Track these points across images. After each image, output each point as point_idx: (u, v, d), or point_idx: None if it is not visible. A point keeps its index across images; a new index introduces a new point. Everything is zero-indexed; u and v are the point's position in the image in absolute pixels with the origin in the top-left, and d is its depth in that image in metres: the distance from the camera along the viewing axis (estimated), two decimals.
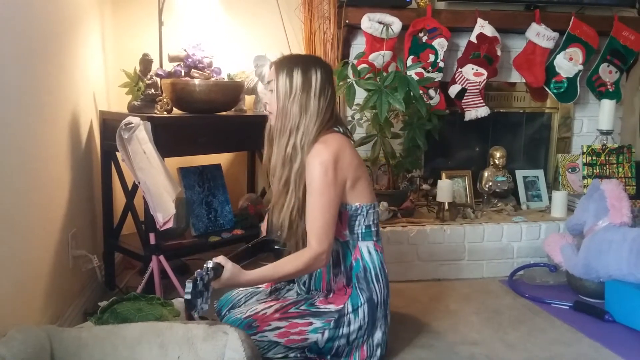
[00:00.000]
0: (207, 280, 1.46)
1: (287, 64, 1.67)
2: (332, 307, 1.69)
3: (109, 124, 2.22)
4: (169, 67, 2.38)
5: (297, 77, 1.64)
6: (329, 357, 1.70)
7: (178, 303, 1.84)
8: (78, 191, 2.06)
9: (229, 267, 1.54)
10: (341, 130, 1.71)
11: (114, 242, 2.34)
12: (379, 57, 2.60)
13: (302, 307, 1.69)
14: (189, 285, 1.41)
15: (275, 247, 1.76)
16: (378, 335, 1.73)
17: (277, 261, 1.65)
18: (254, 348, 1.33)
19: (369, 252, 1.73)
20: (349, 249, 1.73)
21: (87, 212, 2.22)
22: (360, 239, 1.73)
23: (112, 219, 2.36)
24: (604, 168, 2.91)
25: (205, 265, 1.49)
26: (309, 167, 1.61)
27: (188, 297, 1.41)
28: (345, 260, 1.73)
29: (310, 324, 1.66)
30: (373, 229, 1.75)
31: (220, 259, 1.54)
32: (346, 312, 1.68)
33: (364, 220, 1.72)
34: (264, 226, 1.91)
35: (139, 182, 1.90)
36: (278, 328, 1.64)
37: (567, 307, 2.28)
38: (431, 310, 2.24)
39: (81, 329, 1.39)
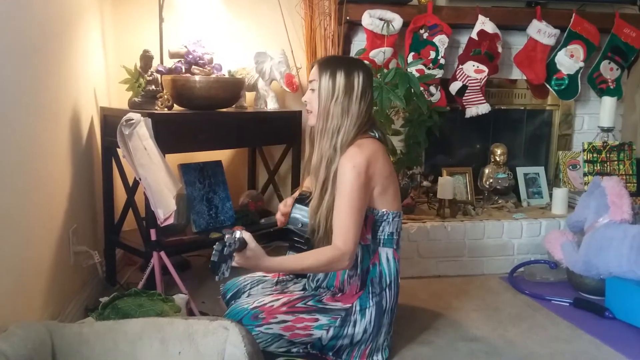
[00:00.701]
0: (234, 249, 1.45)
1: (331, 65, 1.68)
2: (339, 305, 1.70)
3: (110, 120, 2.22)
4: (169, 63, 2.38)
5: (340, 79, 1.65)
6: (330, 354, 1.71)
7: (179, 299, 1.85)
8: (79, 187, 2.06)
9: (253, 247, 1.53)
10: (377, 135, 1.72)
11: (114, 238, 2.34)
12: (380, 54, 2.60)
13: (310, 303, 1.70)
14: (218, 247, 1.40)
15: (295, 238, 1.75)
16: (381, 340, 1.74)
17: (300, 253, 1.66)
18: (255, 343, 1.34)
19: (387, 259, 1.74)
20: (368, 253, 1.73)
21: (87, 208, 2.22)
22: (381, 244, 1.74)
23: (113, 215, 2.37)
24: (605, 165, 2.91)
25: (233, 233, 1.48)
26: (342, 168, 1.62)
27: (215, 258, 1.40)
28: (363, 264, 1.73)
29: (316, 320, 1.66)
30: (395, 237, 1.75)
31: (246, 236, 1.53)
32: (353, 311, 1.69)
33: (389, 227, 1.73)
34: (278, 215, 1.91)
35: (140, 178, 1.90)
36: (284, 321, 1.64)
37: (567, 304, 2.28)
38: (431, 307, 2.24)
39: (82, 325, 1.40)
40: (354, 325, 1.68)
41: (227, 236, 1.46)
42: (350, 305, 1.69)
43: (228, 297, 1.85)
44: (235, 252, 1.47)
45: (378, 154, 1.66)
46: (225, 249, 1.42)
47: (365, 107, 1.68)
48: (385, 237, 1.73)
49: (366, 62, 2.48)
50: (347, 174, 1.60)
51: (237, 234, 1.50)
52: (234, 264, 1.49)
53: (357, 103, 1.66)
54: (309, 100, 1.72)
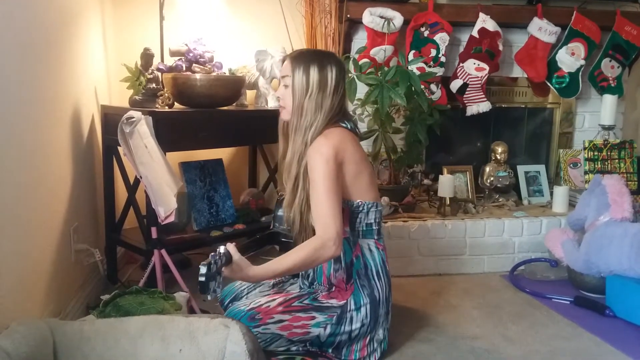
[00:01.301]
0: (220, 264, 1.45)
1: (304, 59, 1.67)
2: (334, 302, 1.70)
3: (111, 119, 2.22)
4: (170, 61, 2.38)
5: (314, 74, 1.64)
6: (330, 350, 1.71)
7: (180, 297, 1.85)
8: (80, 185, 2.07)
9: (237, 259, 1.52)
10: (349, 126, 1.72)
11: (115, 236, 2.35)
12: (381, 52, 2.60)
13: (306, 302, 1.70)
14: (203, 268, 1.40)
15: (282, 239, 1.75)
16: (380, 332, 1.75)
17: (283, 254, 1.64)
18: (255, 341, 1.34)
19: (370, 250, 1.74)
20: (349, 246, 1.73)
21: (89, 206, 2.23)
22: (361, 236, 1.74)
23: (114, 213, 2.37)
24: (606, 163, 2.90)
25: (217, 250, 1.48)
26: (310, 159, 1.62)
27: (202, 279, 1.39)
28: (345, 257, 1.73)
29: (313, 318, 1.66)
30: (374, 228, 1.75)
31: (231, 249, 1.53)
32: (349, 309, 1.69)
33: (366, 217, 1.72)
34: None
35: (141, 177, 1.90)
36: (281, 321, 1.65)
37: (568, 302, 2.29)
38: (432, 305, 2.24)
39: (83, 322, 1.40)
40: (351, 322, 1.68)
41: (211, 254, 1.45)
42: (344, 302, 1.69)
43: (226, 303, 1.84)
44: (223, 267, 1.47)
45: (345, 140, 1.65)
46: (212, 266, 1.41)
47: (338, 101, 1.68)
48: (364, 228, 1.73)
49: (365, 60, 2.49)
50: (317, 162, 1.60)
51: (222, 249, 1.49)
52: (225, 274, 1.49)
53: (331, 97, 1.66)
54: (282, 96, 1.71)
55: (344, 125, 1.70)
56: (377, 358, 1.75)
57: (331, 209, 1.59)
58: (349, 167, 1.66)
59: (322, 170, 1.59)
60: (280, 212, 1.79)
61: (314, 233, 1.63)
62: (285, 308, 1.67)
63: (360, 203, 1.71)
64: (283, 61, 1.74)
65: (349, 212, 1.71)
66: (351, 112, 2.67)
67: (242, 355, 1.28)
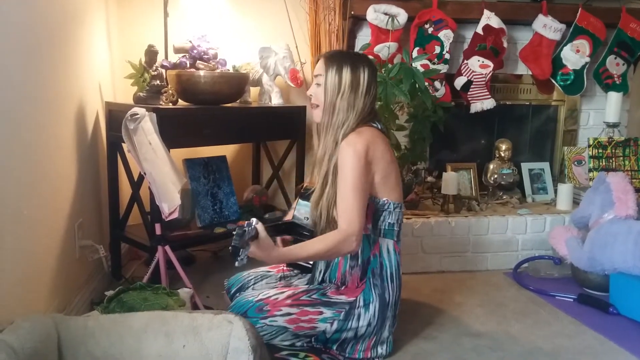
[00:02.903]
0: (252, 235, 1.47)
1: (337, 59, 1.69)
2: (343, 299, 1.70)
3: (115, 115, 2.23)
4: (174, 58, 2.38)
5: (347, 74, 1.66)
6: (334, 347, 1.72)
7: (184, 293, 1.86)
8: (84, 182, 2.07)
9: (264, 237, 1.53)
10: (379, 127, 1.73)
11: (120, 233, 2.36)
12: (385, 49, 2.60)
13: (314, 296, 1.70)
14: (239, 231, 1.42)
15: (302, 232, 1.76)
16: (385, 334, 1.75)
17: (307, 241, 1.66)
18: (259, 337, 1.34)
19: (388, 251, 1.75)
20: (368, 243, 1.74)
21: (93, 203, 2.23)
22: (381, 235, 1.74)
23: (118, 209, 2.38)
24: (610, 161, 2.89)
25: (251, 220, 1.51)
26: (342, 153, 1.63)
27: (236, 243, 1.42)
28: (363, 254, 1.74)
29: (321, 313, 1.67)
30: (396, 229, 1.76)
31: (259, 228, 1.53)
32: (357, 305, 1.69)
33: (389, 217, 1.73)
34: (290, 212, 1.93)
35: (145, 173, 1.91)
36: (289, 314, 1.65)
37: (572, 300, 2.28)
38: (435, 302, 2.24)
39: (88, 318, 1.41)
40: (358, 319, 1.68)
41: (246, 222, 1.48)
42: (354, 298, 1.70)
43: (232, 292, 1.86)
44: (251, 240, 1.49)
45: (377, 139, 1.67)
46: (246, 234, 1.44)
47: (370, 102, 1.70)
48: (386, 227, 1.74)
49: (370, 57, 2.49)
50: (347, 158, 1.61)
51: (254, 222, 1.51)
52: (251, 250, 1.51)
53: (363, 98, 1.68)
54: (315, 95, 1.73)
55: (375, 125, 1.72)
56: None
57: (357, 205, 1.60)
58: (380, 165, 1.67)
59: (352, 165, 1.61)
60: (299, 208, 1.80)
61: (335, 226, 1.64)
62: (294, 301, 1.68)
63: (386, 201, 1.72)
64: (317, 61, 1.76)
65: (373, 209, 1.71)
66: None
67: (245, 351, 1.28)
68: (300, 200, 1.81)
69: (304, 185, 1.88)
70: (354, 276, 1.75)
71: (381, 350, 1.75)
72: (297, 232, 1.79)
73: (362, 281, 1.74)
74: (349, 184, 1.61)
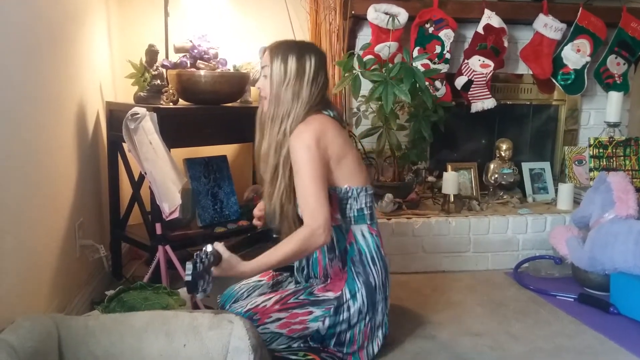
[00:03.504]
0: (207, 263, 1.43)
1: (282, 50, 1.66)
2: (330, 295, 1.69)
3: (116, 115, 2.23)
4: (174, 58, 2.38)
5: (292, 63, 1.64)
6: (332, 344, 1.71)
7: (184, 292, 1.85)
8: (85, 181, 2.07)
9: (227, 257, 1.51)
10: (331, 114, 1.70)
11: (120, 232, 2.36)
12: (385, 48, 2.60)
13: (301, 297, 1.69)
14: (189, 267, 1.38)
15: (275, 235, 1.74)
16: (379, 318, 1.73)
17: (273, 247, 1.62)
18: (259, 337, 1.35)
19: (363, 236, 1.73)
20: (342, 233, 1.72)
21: (93, 202, 2.24)
22: (353, 222, 1.72)
23: (118, 209, 2.38)
24: (611, 160, 2.89)
25: (204, 248, 1.46)
26: (292, 147, 1.61)
27: (189, 278, 1.37)
28: (339, 245, 1.73)
29: (310, 312, 1.66)
30: (366, 212, 1.73)
31: (219, 248, 1.51)
32: (345, 299, 1.68)
33: (356, 203, 1.71)
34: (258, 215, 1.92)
35: (145, 173, 1.91)
36: (279, 319, 1.65)
37: (572, 300, 2.28)
38: (435, 302, 2.24)
39: (88, 318, 1.41)
40: (348, 310, 1.67)
41: (196, 253, 1.43)
42: (340, 293, 1.68)
43: (227, 307, 1.82)
44: (211, 266, 1.45)
45: (326, 125, 1.64)
46: (198, 265, 1.39)
47: (317, 91, 1.66)
48: (355, 214, 1.71)
49: (370, 56, 2.49)
50: (299, 150, 1.59)
51: (209, 248, 1.47)
52: (216, 274, 1.47)
53: (309, 86, 1.64)
54: (262, 87, 1.70)
55: (325, 113, 1.69)
56: (379, 344, 1.75)
57: (317, 196, 1.58)
58: (331, 151, 1.64)
59: (305, 157, 1.58)
60: (269, 210, 1.78)
61: (300, 223, 1.62)
62: (282, 306, 1.67)
63: (348, 188, 1.69)
64: (264, 52, 1.73)
65: (337, 198, 1.69)
66: (355, 109, 2.67)
67: (246, 351, 1.28)
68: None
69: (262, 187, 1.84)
70: (335, 268, 1.74)
71: (378, 333, 1.74)
72: (270, 236, 1.77)
73: (344, 270, 1.72)
74: (305, 177, 1.58)
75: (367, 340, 1.72)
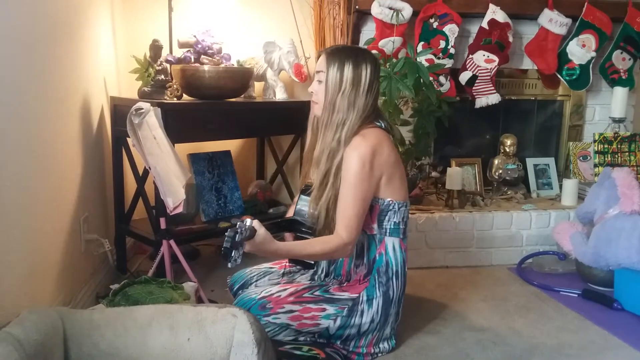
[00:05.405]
0: (245, 236, 1.46)
1: (339, 55, 1.66)
2: (346, 295, 1.70)
3: (120, 110, 2.24)
4: (178, 53, 2.38)
5: (348, 71, 1.63)
6: (338, 342, 1.72)
7: (188, 286, 1.86)
8: (89, 176, 2.08)
9: (262, 232, 1.52)
10: (382, 125, 1.71)
11: (125, 227, 2.37)
12: (389, 43, 2.59)
13: (317, 293, 1.70)
14: (230, 233, 1.41)
15: (303, 229, 1.76)
16: (387, 330, 1.75)
17: (307, 240, 1.66)
18: (263, 330, 1.35)
19: (394, 249, 1.74)
20: (374, 242, 1.74)
21: (98, 197, 2.24)
22: (387, 234, 1.74)
23: (123, 204, 2.39)
24: (616, 156, 2.88)
25: (245, 221, 1.49)
26: (347, 158, 1.62)
27: (227, 245, 1.41)
28: (369, 253, 1.74)
29: (324, 309, 1.67)
30: (401, 227, 1.75)
31: (256, 223, 1.52)
32: (360, 301, 1.69)
33: (394, 216, 1.72)
34: (292, 208, 1.93)
35: (150, 167, 1.91)
36: (291, 311, 1.66)
37: (576, 295, 2.28)
38: (439, 297, 2.24)
39: (93, 311, 1.41)
40: (361, 315, 1.69)
41: (238, 223, 1.47)
42: (357, 295, 1.70)
43: (235, 289, 1.86)
44: (245, 240, 1.48)
45: (383, 142, 1.66)
46: (237, 235, 1.43)
47: (372, 100, 1.67)
48: (392, 226, 1.73)
49: (374, 51, 2.48)
50: (352, 164, 1.61)
51: (248, 222, 1.50)
52: (244, 250, 1.50)
53: (364, 96, 1.65)
54: (316, 92, 1.71)
55: (378, 124, 1.70)
56: (384, 353, 1.76)
57: (358, 214, 1.62)
58: (385, 169, 1.66)
59: (356, 173, 1.60)
60: (301, 205, 1.79)
61: (333, 227, 1.64)
62: (296, 298, 1.68)
63: (391, 202, 1.71)
64: (318, 56, 1.73)
65: (378, 210, 1.71)
66: None
67: (250, 344, 1.29)
68: (302, 196, 1.80)
69: (304, 181, 1.87)
70: (359, 274, 1.76)
71: (384, 345, 1.75)
72: (297, 228, 1.78)
73: (366, 279, 1.74)
74: (352, 191, 1.61)
75: (372, 348, 1.74)
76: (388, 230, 1.73)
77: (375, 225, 1.72)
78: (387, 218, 1.72)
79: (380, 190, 1.69)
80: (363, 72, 1.64)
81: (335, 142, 1.65)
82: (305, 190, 1.80)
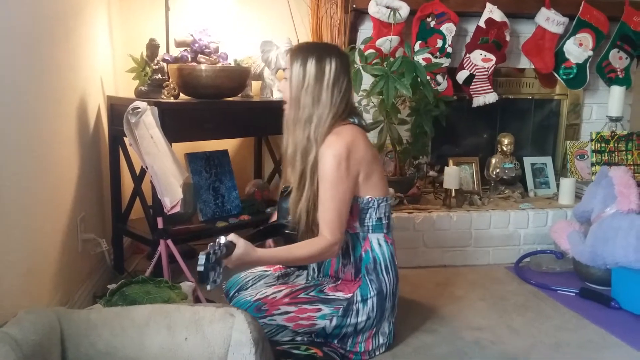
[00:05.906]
0: (220, 255, 1.44)
1: (302, 52, 1.65)
2: (341, 295, 1.70)
3: (117, 109, 2.23)
4: (175, 52, 2.38)
5: (311, 67, 1.62)
6: (335, 341, 1.72)
7: (186, 286, 1.86)
8: (86, 176, 2.08)
9: (241, 244, 1.51)
10: (356, 121, 1.70)
11: (122, 227, 2.36)
12: (386, 42, 2.59)
13: (312, 294, 1.70)
14: (202, 258, 1.39)
15: (286, 231, 1.75)
16: (385, 325, 1.75)
17: (291, 244, 1.66)
18: (260, 330, 1.35)
19: (379, 244, 1.74)
20: (358, 241, 1.73)
21: (95, 197, 2.24)
22: (370, 231, 1.73)
23: (120, 203, 2.38)
24: (613, 155, 2.89)
25: (217, 240, 1.48)
26: (322, 158, 1.60)
27: (201, 269, 1.39)
28: (355, 252, 1.74)
29: (319, 310, 1.67)
30: (384, 222, 1.75)
31: (232, 237, 1.52)
32: (355, 301, 1.69)
33: (375, 213, 1.72)
34: (274, 215, 1.92)
35: (147, 167, 1.91)
36: (287, 312, 1.65)
37: (573, 294, 2.28)
38: (437, 296, 2.24)
39: (90, 311, 1.41)
40: (357, 315, 1.68)
41: (210, 244, 1.45)
42: (351, 294, 1.70)
43: (232, 294, 1.84)
44: (222, 259, 1.46)
45: (358, 139, 1.64)
46: (211, 256, 1.41)
47: (340, 95, 1.64)
48: (374, 223, 1.72)
49: (370, 50, 2.48)
50: (328, 163, 1.59)
51: (222, 239, 1.48)
52: (226, 266, 1.48)
53: (329, 91, 1.62)
54: (283, 90, 1.70)
55: (352, 120, 1.68)
56: (382, 351, 1.76)
57: (340, 213, 1.61)
58: (362, 166, 1.65)
59: (333, 172, 1.59)
60: (284, 205, 1.78)
61: (316, 229, 1.64)
62: (292, 300, 1.68)
63: (370, 199, 1.70)
64: (286, 55, 1.73)
65: (358, 208, 1.70)
66: (357, 103, 2.66)
67: (247, 344, 1.28)
68: (283, 198, 1.79)
69: (284, 184, 1.85)
70: (347, 274, 1.76)
71: (382, 341, 1.75)
72: (282, 232, 1.78)
73: (357, 278, 1.74)
74: (330, 192, 1.59)
75: (370, 347, 1.73)
76: (370, 228, 1.72)
77: (357, 224, 1.71)
78: (368, 215, 1.71)
79: (359, 188, 1.67)
80: (327, 66, 1.61)
81: (305, 139, 1.63)
82: (283, 193, 1.78)
